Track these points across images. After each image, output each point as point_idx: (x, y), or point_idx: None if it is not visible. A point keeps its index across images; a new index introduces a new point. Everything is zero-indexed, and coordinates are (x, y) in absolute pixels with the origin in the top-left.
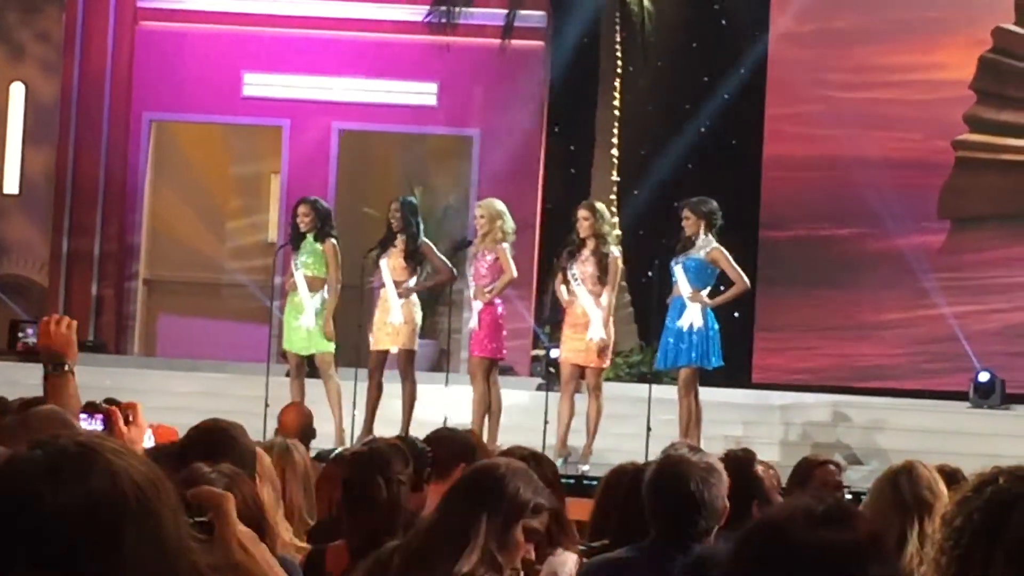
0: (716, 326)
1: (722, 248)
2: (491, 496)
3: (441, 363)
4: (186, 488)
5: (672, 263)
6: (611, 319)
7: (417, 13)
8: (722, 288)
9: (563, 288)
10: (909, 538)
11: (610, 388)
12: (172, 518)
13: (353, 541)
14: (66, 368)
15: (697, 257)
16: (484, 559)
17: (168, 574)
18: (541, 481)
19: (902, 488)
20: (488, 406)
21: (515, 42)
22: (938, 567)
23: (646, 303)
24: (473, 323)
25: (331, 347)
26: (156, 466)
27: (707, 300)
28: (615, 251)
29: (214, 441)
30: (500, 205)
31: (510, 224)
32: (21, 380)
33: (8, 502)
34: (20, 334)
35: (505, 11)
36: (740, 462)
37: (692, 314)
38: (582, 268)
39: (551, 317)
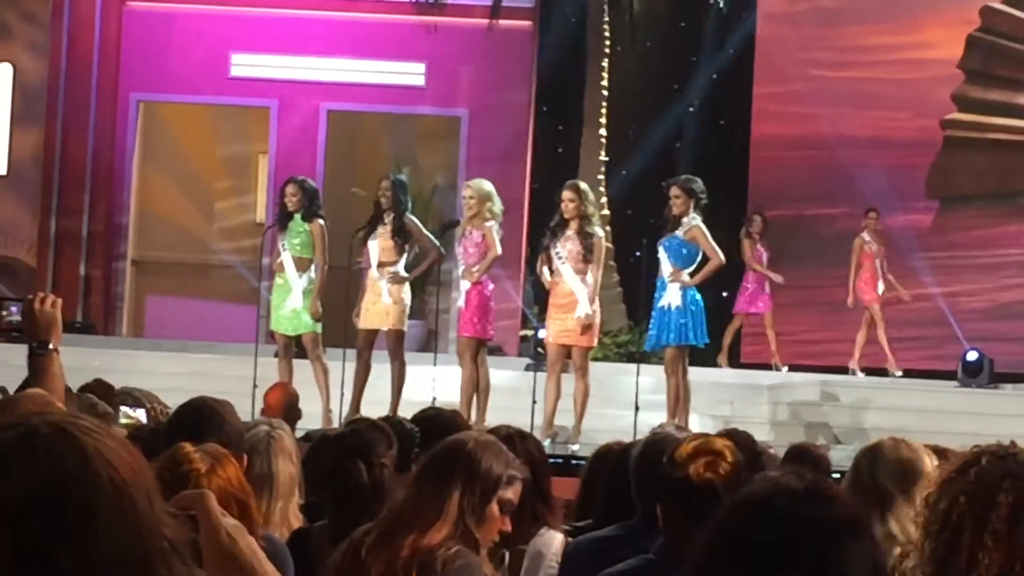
0: (699, 304)
1: (701, 225)
2: (463, 472)
3: (429, 343)
4: (170, 466)
5: (657, 243)
6: (596, 299)
7: None
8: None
9: (545, 269)
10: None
11: (598, 368)
12: (147, 497)
13: (334, 524)
14: (51, 347)
15: (677, 236)
16: (456, 533)
17: (143, 553)
18: (527, 459)
19: (862, 472)
20: (476, 386)
21: (503, 22)
22: (922, 552)
23: (634, 283)
24: (461, 303)
25: (318, 327)
26: (131, 445)
27: (686, 279)
28: (599, 232)
29: (201, 419)
30: (489, 186)
31: (499, 206)
32: (9, 360)
33: None
34: (3, 312)
35: None
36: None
37: (671, 294)
38: (566, 248)
39: (538, 298)
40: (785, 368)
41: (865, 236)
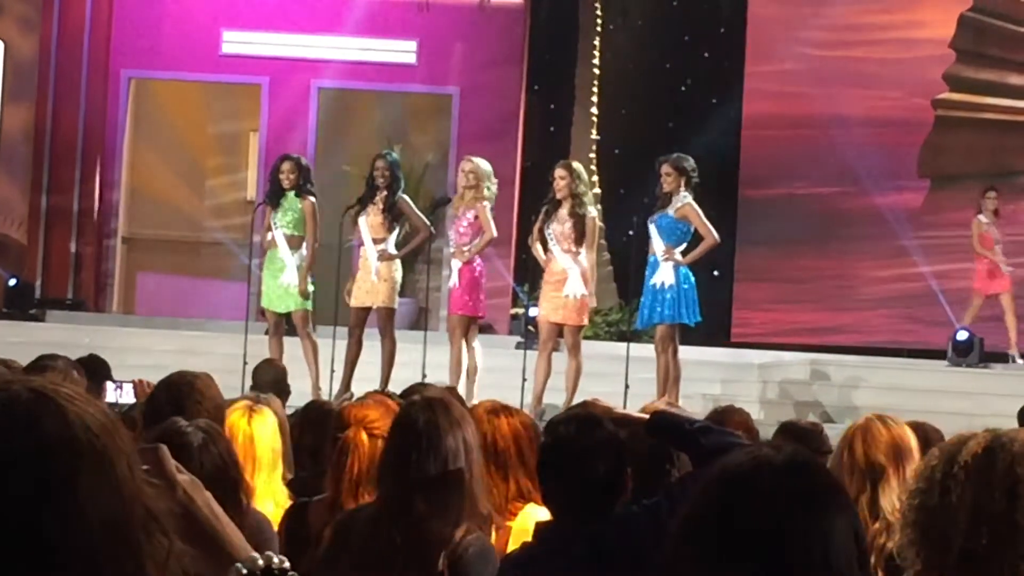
0: (691, 283)
1: (693, 203)
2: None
3: (420, 321)
4: (162, 441)
5: (648, 221)
6: (591, 279)
7: None
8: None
9: (538, 246)
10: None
11: (589, 346)
12: (126, 463)
13: (334, 495)
14: None
15: (668, 214)
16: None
17: (123, 519)
18: (513, 434)
19: (855, 450)
20: (466, 364)
21: (495, 0)
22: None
23: (625, 262)
24: (452, 281)
25: (308, 305)
26: (110, 411)
27: (679, 257)
28: (592, 211)
29: (180, 395)
30: (488, 166)
31: (494, 187)
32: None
33: None
34: None
35: None
36: (725, 415)
37: (664, 272)
38: (558, 228)
39: (529, 276)
40: (1021, 359)
41: (983, 218)
